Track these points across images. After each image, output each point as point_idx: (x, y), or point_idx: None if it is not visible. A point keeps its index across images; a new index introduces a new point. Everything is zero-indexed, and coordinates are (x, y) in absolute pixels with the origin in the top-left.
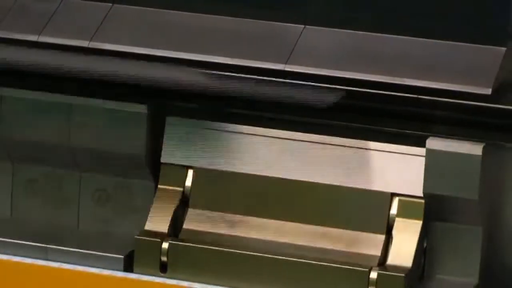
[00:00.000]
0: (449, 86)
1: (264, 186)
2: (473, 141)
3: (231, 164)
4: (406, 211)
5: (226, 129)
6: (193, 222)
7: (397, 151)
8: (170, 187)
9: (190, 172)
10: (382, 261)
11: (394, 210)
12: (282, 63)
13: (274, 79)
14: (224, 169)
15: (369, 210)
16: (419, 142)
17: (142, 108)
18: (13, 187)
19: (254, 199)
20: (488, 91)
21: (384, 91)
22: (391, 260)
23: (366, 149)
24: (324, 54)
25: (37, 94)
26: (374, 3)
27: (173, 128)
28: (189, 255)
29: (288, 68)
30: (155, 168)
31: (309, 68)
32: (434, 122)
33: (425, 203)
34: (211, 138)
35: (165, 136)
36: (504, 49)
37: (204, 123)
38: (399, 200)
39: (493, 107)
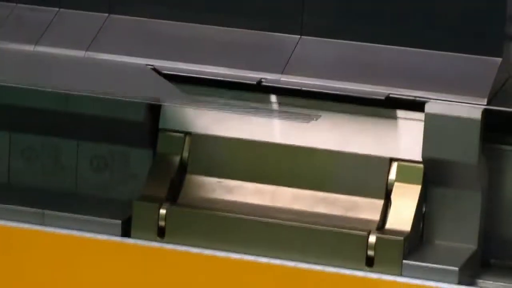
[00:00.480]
0: (444, 96)
1: (261, 152)
2: (472, 104)
3: (228, 129)
4: (405, 176)
5: (223, 95)
6: (191, 187)
7: (396, 115)
8: (168, 153)
9: (188, 138)
10: (380, 225)
11: (393, 175)
12: (278, 73)
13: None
14: (222, 134)
15: (367, 175)
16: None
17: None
18: (10, 154)
19: (251, 165)
20: (484, 102)
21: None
22: (389, 224)
23: (364, 114)
24: (320, 64)
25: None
26: (369, 13)
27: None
28: (187, 220)
29: (284, 78)
30: (153, 135)
31: (305, 78)
32: None
33: (424, 167)
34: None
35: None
36: (499, 59)
37: (202, 89)
38: (398, 165)
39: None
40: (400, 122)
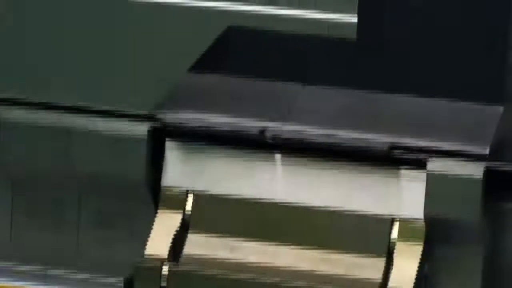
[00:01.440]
0: (446, 145)
1: (263, 210)
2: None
3: (231, 188)
4: (406, 235)
5: (226, 153)
6: (193, 246)
7: (397, 173)
8: (170, 211)
9: (190, 196)
10: (382, 285)
11: (394, 234)
12: (280, 122)
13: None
14: (224, 193)
15: (369, 233)
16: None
17: (142, 132)
18: (13, 210)
19: (253, 223)
20: (486, 151)
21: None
22: (391, 284)
23: (365, 172)
24: (322, 113)
25: (36, 118)
26: (372, 62)
27: (173, 152)
28: (189, 280)
29: (287, 127)
30: (155, 192)
31: (308, 127)
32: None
33: (426, 226)
34: (211, 162)
35: (165, 160)
36: (501, 108)
37: (204, 147)
38: (400, 224)
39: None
40: (402, 180)
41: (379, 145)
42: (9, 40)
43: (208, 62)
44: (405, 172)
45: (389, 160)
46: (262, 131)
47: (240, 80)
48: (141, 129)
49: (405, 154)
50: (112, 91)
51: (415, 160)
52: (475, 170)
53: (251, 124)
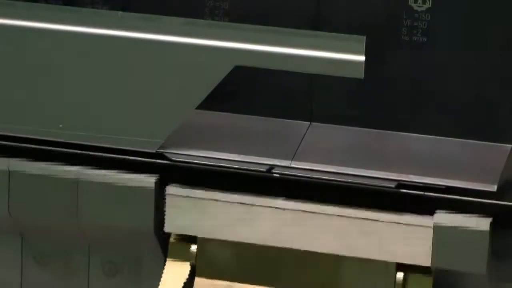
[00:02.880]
0: (454, 183)
1: (268, 256)
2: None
3: (235, 233)
4: (413, 283)
5: (228, 199)
6: None
7: (403, 221)
8: (178, 260)
9: (195, 244)
10: None
11: (400, 281)
12: (288, 159)
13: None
14: (229, 239)
15: (374, 280)
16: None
17: (149, 183)
18: (22, 261)
19: (258, 269)
20: (494, 188)
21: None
22: None
23: (371, 219)
24: (330, 151)
25: (44, 169)
26: (378, 100)
27: (175, 197)
28: None
29: (294, 164)
30: (163, 240)
31: (315, 164)
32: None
33: (434, 278)
34: (214, 207)
35: (167, 206)
36: (509, 146)
37: (206, 192)
38: (408, 275)
39: (498, 204)
40: (407, 228)
41: (387, 183)
42: (20, 82)
43: (215, 100)
44: (411, 219)
45: (397, 198)
46: (270, 169)
47: (248, 119)
48: (148, 179)
49: (413, 192)
50: (120, 129)
51: (422, 203)
52: (481, 222)
53: (259, 162)
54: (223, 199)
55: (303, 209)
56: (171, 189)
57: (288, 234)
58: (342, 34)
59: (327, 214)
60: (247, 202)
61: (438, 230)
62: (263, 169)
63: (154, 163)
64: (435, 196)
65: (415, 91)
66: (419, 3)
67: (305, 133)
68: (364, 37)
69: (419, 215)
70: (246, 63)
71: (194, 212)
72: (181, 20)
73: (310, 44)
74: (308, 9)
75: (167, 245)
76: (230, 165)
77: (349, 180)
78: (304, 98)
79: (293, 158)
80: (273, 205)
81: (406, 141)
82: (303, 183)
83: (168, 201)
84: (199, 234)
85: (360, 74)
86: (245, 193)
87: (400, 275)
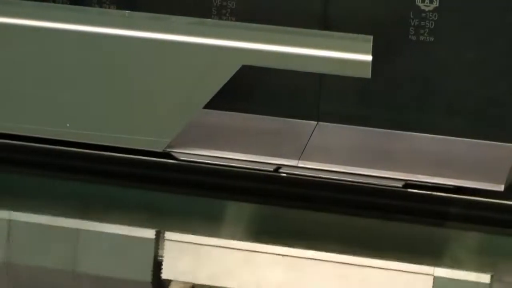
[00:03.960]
0: (461, 182)
1: None
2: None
3: (234, 280)
4: None
5: (226, 245)
6: None
7: (401, 269)
8: None
9: None
10: None
11: None
12: (295, 158)
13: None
14: (227, 286)
15: None
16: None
17: (149, 234)
18: None
19: None
20: (501, 188)
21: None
22: None
23: (372, 267)
24: (337, 150)
25: (44, 218)
26: (385, 99)
27: (173, 243)
28: None
29: (301, 164)
30: None
31: (322, 164)
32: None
33: None
34: (212, 253)
35: (165, 251)
36: None
37: (204, 238)
38: None
39: (506, 204)
40: (408, 275)
41: (394, 182)
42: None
43: (222, 99)
44: (411, 268)
45: (404, 198)
46: (277, 169)
47: (255, 118)
48: (148, 231)
49: (420, 192)
50: (127, 128)
51: (429, 203)
52: (482, 276)
53: (266, 162)
54: (221, 245)
55: (303, 256)
56: (169, 235)
57: (288, 281)
58: (350, 34)
59: (327, 261)
60: (246, 248)
61: (438, 283)
62: (270, 168)
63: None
64: (442, 196)
65: (422, 91)
66: (427, 3)
67: (312, 133)
68: (372, 37)
69: (419, 265)
70: (253, 63)
71: (192, 258)
72: (188, 19)
73: (317, 44)
74: (315, 8)
75: None
76: (237, 164)
77: (356, 180)
78: (311, 97)
79: (300, 157)
80: (272, 252)
81: (413, 141)
82: (309, 184)
83: (166, 247)
84: (197, 281)
85: (367, 73)
86: (243, 240)
87: None
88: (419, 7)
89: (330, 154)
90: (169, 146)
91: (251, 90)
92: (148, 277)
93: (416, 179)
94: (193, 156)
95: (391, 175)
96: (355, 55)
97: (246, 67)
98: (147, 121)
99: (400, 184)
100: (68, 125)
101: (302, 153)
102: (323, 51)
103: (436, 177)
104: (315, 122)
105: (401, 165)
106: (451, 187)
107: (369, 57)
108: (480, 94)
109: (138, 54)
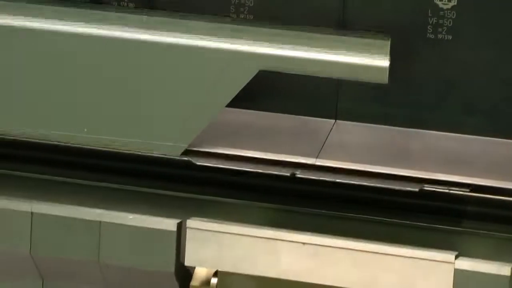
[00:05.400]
0: (480, 181)
1: None
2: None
3: (256, 267)
4: None
5: (248, 233)
6: None
7: (424, 257)
8: None
9: (216, 277)
10: None
11: None
12: (313, 157)
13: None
14: (249, 272)
15: None
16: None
17: (171, 226)
18: None
19: None
20: None
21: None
22: None
23: (392, 254)
24: (354, 149)
25: (66, 210)
26: (403, 98)
27: (195, 231)
28: None
29: (319, 162)
30: (184, 282)
31: (340, 162)
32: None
33: None
34: (234, 241)
35: (187, 239)
36: None
37: (226, 226)
38: None
39: None
40: (426, 263)
41: (412, 180)
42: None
43: (241, 98)
44: (431, 255)
45: (422, 197)
46: (293, 174)
47: (273, 116)
48: (170, 222)
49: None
50: (144, 134)
51: (447, 201)
52: (502, 268)
53: (284, 160)
54: (243, 233)
55: (324, 244)
56: (191, 223)
57: (309, 268)
58: (367, 33)
59: (348, 248)
60: (268, 236)
61: (459, 274)
62: (287, 173)
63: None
64: (460, 194)
65: (440, 89)
66: (445, 1)
67: (330, 131)
68: (389, 41)
69: (440, 251)
70: (270, 68)
71: (214, 245)
72: (206, 24)
73: (334, 49)
74: (333, 6)
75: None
76: (254, 169)
77: (372, 185)
78: (330, 96)
79: (317, 156)
80: (293, 239)
81: (431, 139)
82: (327, 184)
83: (189, 234)
84: (220, 267)
85: (384, 79)
86: (266, 227)
87: None
88: (437, 5)
89: (347, 153)
90: (188, 148)
91: (270, 89)
92: (171, 267)
93: (434, 178)
94: (212, 154)
95: (409, 174)
96: (372, 61)
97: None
98: (164, 127)
99: (417, 188)
100: (85, 130)
101: (319, 151)
102: (339, 56)
103: (454, 175)
104: (333, 120)
105: (419, 164)
106: (469, 185)
107: (386, 63)
108: (497, 92)
109: (155, 59)
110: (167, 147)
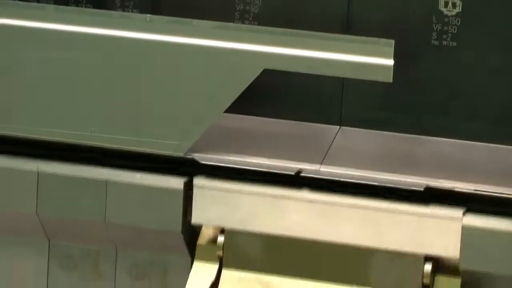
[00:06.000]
0: (483, 188)
1: (296, 248)
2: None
3: (262, 225)
4: (441, 274)
5: (255, 191)
6: (228, 284)
7: (433, 214)
8: (206, 263)
9: (222, 235)
10: None
11: (428, 273)
12: (317, 163)
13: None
14: (256, 230)
15: (402, 272)
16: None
17: (178, 184)
18: (49, 264)
19: (285, 260)
20: None
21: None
22: None
23: (399, 211)
24: (359, 155)
25: (73, 169)
26: (408, 104)
27: (202, 189)
28: None
29: (324, 168)
30: (190, 241)
31: (344, 168)
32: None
33: (462, 280)
34: (242, 199)
35: (194, 198)
36: None
37: (233, 184)
38: (436, 278)
39: None
40: (437, 220)
41: (416, 187)
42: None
43: (245, 104)
44: (441, 211)
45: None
46: (298, 173)
47: (277, 122)
48: (176, 181)
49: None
50: (149, 132)
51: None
52: (511, 225)
53: (288, 166)
54: (250, 191)
55: (332, 202)
56: (198, 181)
57: (316, 225)
58: (371, 38)
59: (357, 206)
60: (275, 194)
61: (466, 231)
62: (292, 172)
63: (182, 164)
64: (464, 201)
65: (445, 96)
66: (449, 8)
67: (334, 137)
68: (393, 41)
69: (448, 208)
70: (275, 67)
71: (221, 203)
72: (210, 23)
73: (339, 48)
74: (338, 13)
75: (194, 247)
76: (259, 168)
77: (377, 184)
78: (334, 102)
79: (322, 162)
80: (301, 197)
81: (435, 145)
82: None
83: (196, 193)
84: (227, 225)
85: (389, 78)
86: (272, 185)
87: (428, 267)
88: (442, 12)
89: (352, 159)
90: (190, 150)
91: (274, 94)
92: (178, 226)
93: (438, 185)
94: (214, 160)
95: (413, 179)
96: (376, 59)
97: (269, 72)
98: (168, 125)
99: (421, 188)
100: (92, 129)
101: (324, 157)
102: (345, 55)
103: (458, 182)
104: (338, 127)
105: (424, 170)
106: (473, 192)
107: (390, 61)
108: (502, 99)
109: (159, 58)
110: (171, 145)
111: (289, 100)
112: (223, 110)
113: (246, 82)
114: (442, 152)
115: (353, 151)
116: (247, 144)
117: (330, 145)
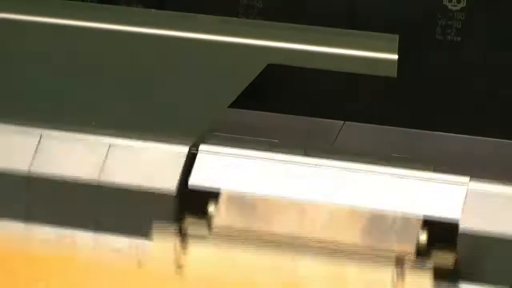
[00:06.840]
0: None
1: (292, 209)
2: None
3: (263, 189)
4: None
5: (257, 156)
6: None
7: (434, 178)
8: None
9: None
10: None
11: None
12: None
13: None
14: (256, 194)
15: (400, 234)
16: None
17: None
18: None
19: (287, 222)
20: None
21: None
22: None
23: (404, 176)
24: (363, 150)
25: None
26: (412, 99)
27: (204, 153)
28: None
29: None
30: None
31: (348, 163)
32: None
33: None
34: (243, 163)
35: (196, 161)
36: None
37: (235, 149)
38: (431, 226)
39: None
40: (441, 184)
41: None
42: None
43: (249, 99)
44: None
45: None
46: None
47: (281, 117)
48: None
49: None
50: (153, 127)
51: None
52: None
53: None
54: (252, 155)
55: (336, 166)
56: (203, 147)
57: (320, 189)
58: (375, 33)
59: (361, 170)
60: (278, 159)
61: (470, 196)
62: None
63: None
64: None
65: (449, 91)
66: (454, 3)
67: (338, 132)
68: (397, 36)
69: (454, 175)
70: (279, 61)
71: (223, 167)
72: (215, 18)
73: (343, 43)
74: (342, 8)
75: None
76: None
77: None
78: (338, 97)
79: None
80: (302, 162)
81: (440, 140)
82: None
83: (198, 157)
84: (228, 189)
85: (393, 72)
86: (276, 151)
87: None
88: (446, 6)
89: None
90: (194, 145)
91: (278, 90)
92: (173, 187)
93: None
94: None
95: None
96: (380, 54)
97: (273, 66)
98: (172, 120)
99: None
100: (93, 123)
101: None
102: (349, 50)
103: (462, 177)
104: (342, 122)
105: (426, 165)
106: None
107: (395, 56)
108: (507, 94)
109: (163, 53)
110: (176, 140)
111: (293, 95)
112: (227, 105)
113: (250, 77)
114: (447, 147)
115: (358, 146)
116: (250, 139)
117: (334, 141)
